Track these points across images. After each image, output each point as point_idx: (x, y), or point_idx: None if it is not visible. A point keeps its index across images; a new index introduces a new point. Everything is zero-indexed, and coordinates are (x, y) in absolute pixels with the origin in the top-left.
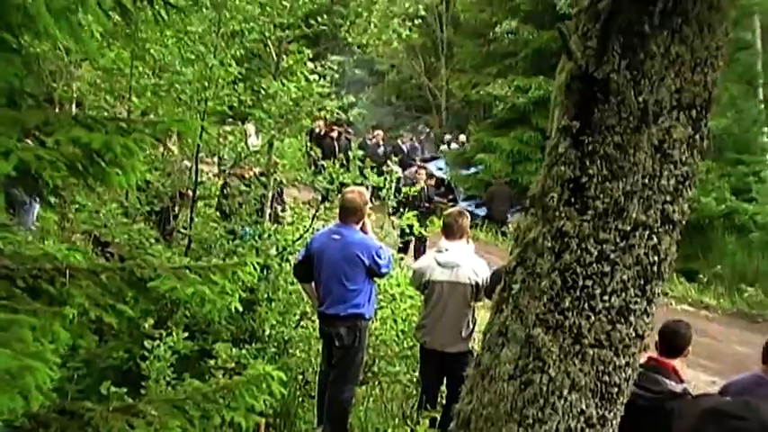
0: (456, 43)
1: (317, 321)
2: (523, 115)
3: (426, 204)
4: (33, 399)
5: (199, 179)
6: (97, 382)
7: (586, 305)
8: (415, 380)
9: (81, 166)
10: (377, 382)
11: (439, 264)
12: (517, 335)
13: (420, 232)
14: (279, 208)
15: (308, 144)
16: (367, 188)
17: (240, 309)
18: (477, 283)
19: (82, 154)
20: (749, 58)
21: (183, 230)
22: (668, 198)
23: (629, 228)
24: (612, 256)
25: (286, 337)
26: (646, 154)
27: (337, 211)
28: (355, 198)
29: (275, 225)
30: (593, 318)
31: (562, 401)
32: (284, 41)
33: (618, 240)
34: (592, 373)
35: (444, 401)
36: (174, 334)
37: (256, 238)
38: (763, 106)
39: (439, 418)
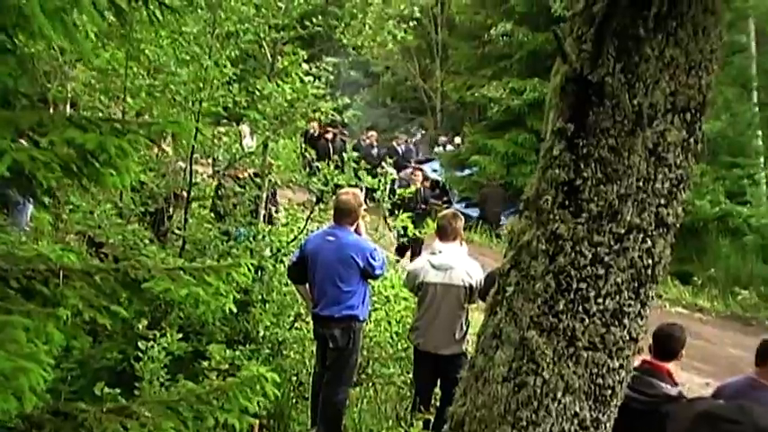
0: (451, 45)
1: (312, 323)
2: (518, 117)
3: (423, 206)
4: (27, 400)
5: (193, 180)
6: (91, 383)
7: (580, 308)
8: (409, 382)
9: (75, 167)
10: (371, 384)
11: (433, 266)
12: (511, 337)
13: (414, 234)
14: (273, 209)
15: (303, 145)
16: (361, 190)
17: (234, 310)
18: (470, 286)
19: (76, 155)
20: (744, 61)
21: (177, 231)
22: (662, 201)
23: (623, 231)
24: (607, 258)
25: (280, 339)
26: (640, 157)
27: (332, 212)
28: (350, 200)
29: (269, 226)
30: (587, 320)
31: (556, 404)
32: (279, 43)
33: (612, 243)
34: (586, 375)
35: (438, 403)
36: (167, 335)
37: (251, 239)
38: (757, 109)
39: (433, 420)
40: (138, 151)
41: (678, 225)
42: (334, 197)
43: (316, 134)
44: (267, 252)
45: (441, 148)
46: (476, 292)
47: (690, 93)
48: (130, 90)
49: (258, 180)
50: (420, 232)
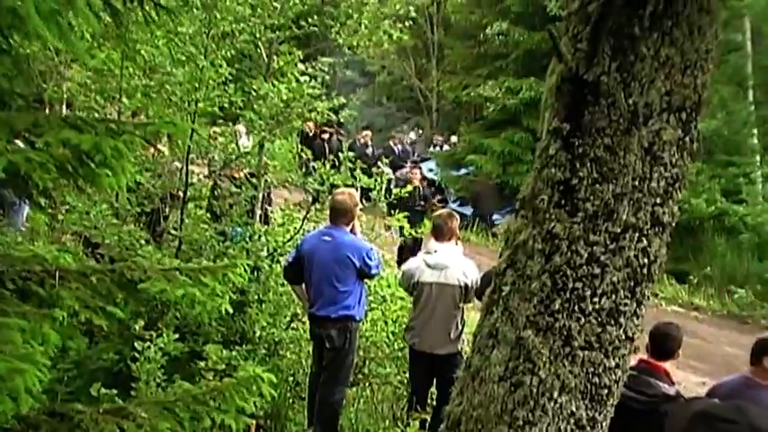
0: (447, 45)
1: (308, 323)
2: (514, 117)
3: (422, 203)
4: (23, 401)
5: (189, 180)
6: (87, 383)
7: (576, 307)
8: (405, 381)
9: (71, 168)
10: (367, 384)
11: (428, 265)
12: (507, 337)
13: (411, 233)
14: (269, 209)
15: (299, 146)
16: (357, 189)
17: (231, 310)
18: (466, 285)
19: (72, 155)
20: (739, 59)
21: (173, 232)
22: (658, 200)
23: (619, 230)
24: (602, 258)
25: (276, 339)
26: (636, 156)
27: (328, 212)
28: (345, 200)
29: (266, 226)
30: (583, 320)
31: (552, 403)
32: (275, 42)
33: (608, 242)
34: (582, 374)
35: (435, 403)
36: (164, 335)
37: (247, 239)
38: (753, 108)
39: (429, 420)
40: (134, 152)
41: (674, 224)
42: (330, 197)
43: (311, 134)
44: (263, 252)
45: (437, 148)
46: (471, 291)
47: (685, 92)
48: (126, 90)
49: (254, 180)
50: (417, 231)
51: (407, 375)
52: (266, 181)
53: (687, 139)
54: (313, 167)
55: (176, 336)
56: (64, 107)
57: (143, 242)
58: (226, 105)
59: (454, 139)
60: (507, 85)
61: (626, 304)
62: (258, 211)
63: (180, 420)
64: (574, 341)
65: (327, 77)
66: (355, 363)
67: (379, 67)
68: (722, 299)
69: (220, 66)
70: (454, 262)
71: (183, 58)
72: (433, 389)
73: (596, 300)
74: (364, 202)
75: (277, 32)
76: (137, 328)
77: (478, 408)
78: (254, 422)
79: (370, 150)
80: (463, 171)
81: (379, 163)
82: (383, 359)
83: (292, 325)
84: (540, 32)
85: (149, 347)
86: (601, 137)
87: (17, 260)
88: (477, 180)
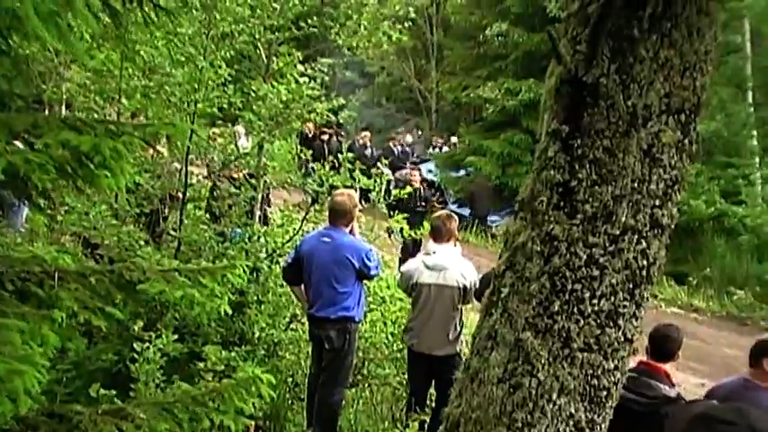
0: (446, 46)
1: (307, 324)
2: (513, 118)
3: (422, 205)
4: (22, 402)
5: (188, 181)
6: (86, 384)
7: (575, 309)
8: (404, 382)
9: (70, 169)
10: (366, 385)
11: (427, 266)
12: (506, 338)
13: (410, 235)
14: (268, 210)
15: (299, 147)
16: (356, 191)
17: (230, 311)
18: (464, 286)
19: (71, 156)
20: (739, 61)
21: (172, 233)
22: (657, 202)
23: (618, 232)
24: (601, 260)
25: (276, 340)
26: (635, 158)
27: (327, 213)
28: (345, 201)
29: (265, 227)
30: (582, 321)
31: (551, 405)
32: (274, 43)
33: (607, 244)
34: (581, 376)
35: (434, 404)
36: (163, 336)
37: (246, 240)
38: (752, 109)
39: (428, 422)
40: (133, 153)
41: (673, 226)
42: (329, 198)
43: (311, 135)
44: (262, 253)
45: (436, 149)
46: (470, 292)
47: (684, 94)
48: (125, 91)
49: (253, 181)
50: (416, 233)
51: (406, 376)
52: (265, 182)
53: (686, 140)
54: (312, 168)
55: (175, 337)
56: (63, 108)
57: (142, 243)
58: (225, 106)
59: (454, 140)
60: (507, 86)
61: (625, 306)
62: (257, 212)
63: (179, 421)
64: (573, 343)
65: (327, 78)
66: (354, 364)
67: (378, 68)
68: (721, 300)
69: (220, 67)
70: (453, 263)
71: (183, 59)
72: (432, 390)
73: (595, 302)
74: (363, 203)
75: (276, 33)
76: (136, 328)
77: (477, 409)
78: (252, 423)
79: (369, 151)
80: (462, 172)
81: (378, 164)
82: (382, 360)
83: (291, 326)
84: (540, 34)
85: (148, 348)
86: (600, 139)
87: (16, 261)
88: (474, 180)
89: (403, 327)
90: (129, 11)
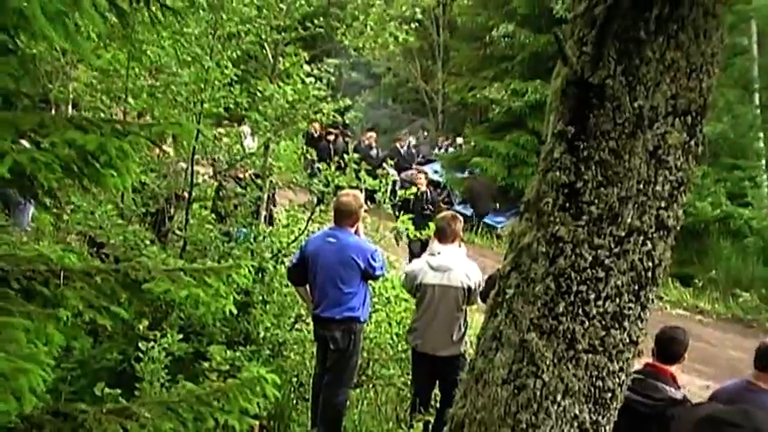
0: (452, 47)
1: (312, 324)
2: (519, 119)
3: (430, 207)
4: (27, 400)
5: (194, 181)
6: (91, 383)
7: (580, 310)
8: (409, 383)
9: (76, 168)
10: (371, 386)
11: (431, 267)
12: (511, 339)
13: (415, 236)
14: (274, 210)
15: (304, 147)
16: (361, 191)
17: (235, 311)
18: (469, 287)
19: (77, 156)
20: (745, 63)
21: (178, 232)
22: (663, 204)
23: (623, 233)
24: (607, 261)
25: (281, 340)
26: (641, 159)
27: (332, 213)
28: (350, 201)
29: (270, 227)
30: (587, 323)
31: (556, 406)
32: (281, 44)
33: (612, 246)
34: (585, 378)
35: (438, 405)
36: (168, 336)
37: (251, 239)
38: (758, 111)
39: (432, 422)
40: (139, 152)
41: (679, 227)
42: (334, 198)
43: (317, 135)
44: (268, 253)
45: (442, 150)
46: (474, 293)
47: (691, 95)
48: (132, 91)
49: (259, 181)
50: (421, 233)
51: (411, 377)
52: (271, 182)
53: (692, 142)
54: (318, 169)
55: (180, 336)
56: (70, 107)
57: (148, 242)
58: (231, 106)
59: (460, 140)
60: (513, 87)
61: (630, 308)
62: (263, 212)
63: (183, 421)
64: (578, 344)
65: (333, 79)
66: (359, 364)
67: (384, 68)
68: (727, 302)
69: (226, 67)
70: (457, 264)
71: (189, 59)
72: (437, 391)
73: (600, 303)
74: (369, 203)
75: (283, 34)
76: (141, 328)
77: (482, 410)
78: (257, 423)
79: (374, 152)
80: (468, 173)
81: (384, 164)
82: (387, 361)
83: (296, 326)
84: (546, 35)
85: (153, 348)
86: (606, 140)
87: (22, 260)
88: (474, 178)
89: (407, 327)
90: (136, 10)
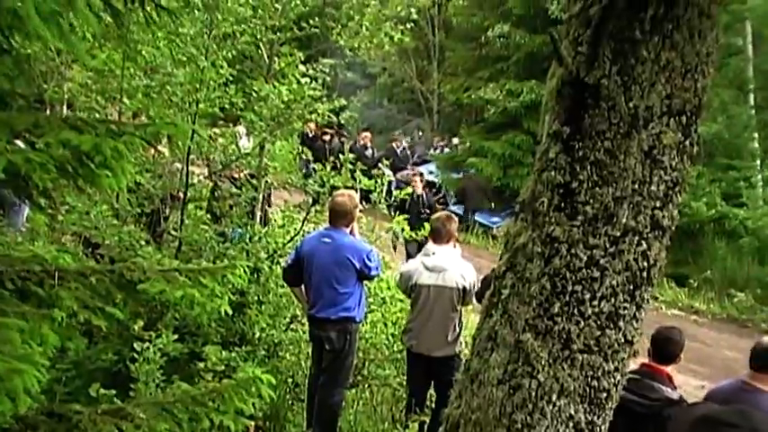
0: (448, 47)
1: (307, 325)
2: (515, 119)
3: (427, 211)
4: (21, 401)
5: (189, 181)
6: (86, 384)
7: (576, 310)
8: (404, 383)
9: (71, 168)
10: (367, 386)
11: (426, 267)
12: (506, 340)
13: (411, 236)
14: (269, 210)
15: (300, 147)
16: (357, 191)
17: (230, 311)
18: (464, 288)
19: (72, 156)
20: (740, 63)
21: (173, 233)
22: (658, 204)
23: (618, 233)
24: (602, 261)
25: (276, 340)
26: (636, 160)
27: (327, 214)
28: (345, 201)
29: (265, 228)
30: (582, 323)
31: (551, 406)
32: (276, 44)
33: (607, 246)
34: (581, 378)
35: (434, 405)
36: (163, 336)
37: (246, 240)
38: (753, 112)
39: (428, 423)
40: (135, 152)
41: (674, 227)
42: (329, 199)
43: (312, 135)
44: (263, 254)
45: (437, 150)
46: (469, 293)
47: (685, 95)
48: (127, 91)
49: (254, 181)
50: (417, 234)
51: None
52: (266, 182)
53: (687, 142)
54: (313, 169)
55: (175, 337)
56: (65, 108)
57: (143, 243)
58: (226, 106)
59: (456, 140)
60: (508, 87)
61: (625, 308)
62: (258, 213)
63: (178, 421)
64: (573, 344)
65: (328, 79)
66: (355, 364)
67: (380, 68)
68: (722, 302)
69: (221, 67)
70: (452, 264)
71: (184, 59)
72: (432, 391)
73: (596, 303)
74: (364, 203)
75: (278, 34)
76: (136, 328)
77: (477, 411)
78: (252, 423)
79: (369, 152)
80: (462, 173)
81: (379, 164)
82: (383, 361)
83: (292, 326)
84: (542, 35)
85: (148, 348)
86: (601, 140)
87: (17, 260)
88: (469, 177)
89: (402, 328)
90: (130, 11)
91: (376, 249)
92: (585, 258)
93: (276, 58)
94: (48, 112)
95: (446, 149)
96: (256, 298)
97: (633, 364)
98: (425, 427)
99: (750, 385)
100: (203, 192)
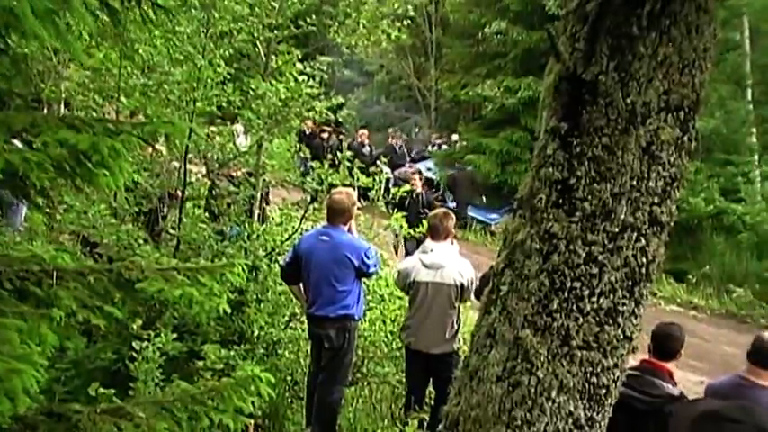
0: (445, 44)
1: (306, 322)
2: (512, 116)
3: (426, 210)
4: (20, 401)
5: (187, 180)
6: (85, 383)
7: (574, 307)
8: (404, 381)
9: (68, 168)
10: (366, 383)
11: (424, 264)
12: (505, 336)
13: (409, 233)
14: (267, 208)
15: (298, 145)
16: (355, 189)
17: (229, 310)
18: (461, 284)
19: (69, 155)
20: (738, 58)
21: (171, 231)
22: (656, 200)
23: (617, 229)
24: (600, 257)
25: (275, 339)
26: (634, 156)
27: (325, 211)
28: (343, 199)
29: (264, 225)
30: (581, 319)
31: (550, 403)
32: (273, 42)
33: (606, 242)
34: (580, 374)
35: (433, 402)
36: (162, 335)
37: (245, 238)
38: (751, 107)
39: (427, 420)
40: (132, 151)
41: (672, 223)
42: (327, 196)
43: (309, 132)
44: (261, 252)
45: (435, 147)
46: (467, 290)
47: (683, 91)
48: (124, 90)
49: (252, 180)
50: (415, 231)
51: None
52: (264, 180)
53: (685, 138)
54: (311, 167)
55: (174, 335)
56: (62, 107)
57: (141, 242)
58: (224, 105)
59: (455, 137)
60: (506, 84)
61: (624, 304)
62: (256, 211)
63: (178, 420)
64: (572, 341)
65: (326, 77)
66: (354, 362)
67: (377, 66)
68: (721, 298)
69: (218, 65)
70: (450, 261)
71: (182, 58)
72: (431, 388)
73: (594, 299)
74: (362, 201)
75: (275, 32)
76: (135, 327)
77: (476, 407)
78: (252, 422)
79: (366, 149)
80: (457, 167)
81: (378, 162)
82: (382, 358)
83: (291, 324)
84: (539, 31)
85: (147, 347)
86: (599, 136)
87: (15, 260)
88: (458, 168)
89: (401, 325)
90: (127, 9)
91: (374, 247)
92: (584, 255)
93: (273, 56)
94: (45, 111)
95: (444, 146)
96: (255, 296)
97: (632, 361)
98: (425, 424)
99: (748, 380)
100: (201, 190)
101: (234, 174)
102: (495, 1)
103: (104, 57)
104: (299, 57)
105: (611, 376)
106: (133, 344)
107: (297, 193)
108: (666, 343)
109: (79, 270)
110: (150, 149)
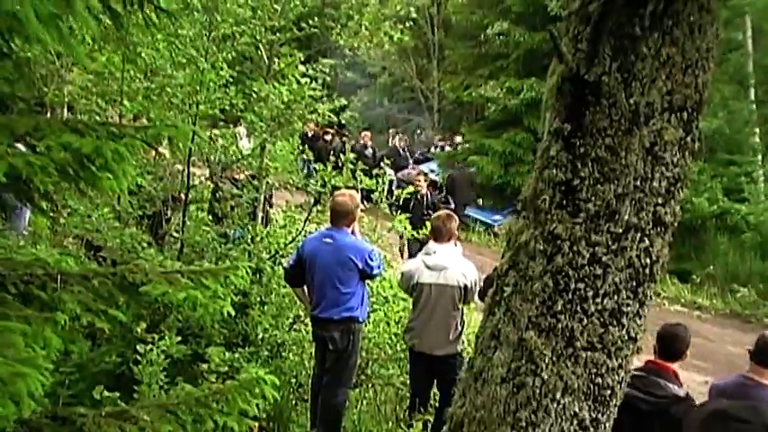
0: (447, 45)
1: (310, 325)
2: (515, 117)
3: (430, 211)
4: (25, 404)
5: (190, 183)
6: (90, 386)
7: (579, 308)
8: (408, 382)
9: (72, 171)
10: (370, 385)
11: (427, 266)
12: (509, 338)
13: (412, 235)
14: (270, 211)
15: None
16: (358, 191)
17: (233, 312)
18: (465, 286)
19: (73, 159)
20: (740, 58)
21: (175, 234)
22: (660, 200)
23: (620, 230)
24: (604, 258)
25: (279, 341)
26: (637, 156)
27: (329, 213)
28: (346, 201)
29: (267, 228)
30: (585, 320)
31: (555, 404)
32: (276, 44)
33: (610, 243)
34: (584, 375)
35: (437, 404)
36: (166, 338)
37: (248, 241)
38: (754, 107)
39: (432, 421)
40: (135, 155)
41: (676, 223)
42: (331, 199)
43: (312, 134)
44: (265, 254)
45: (437, 149)
46: (470, 292)
47: (686, 91)
48: (127, 93)
49: (255, 182)
50: (418, 233)
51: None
52: (267, 183)
53: (688, 138)
54: (314, 169)
55: (178, 338)
56: (65, 111)
57: (145, 245)
58: (227, 107)
59: (458, 139)
60: (508, 85)
61: (628, 305)
62: (260, 213)
63: (182, 423)
64: (576, 342)
65: (328, 79)
66: (358, 364)
67: (379, 68)
68: (725, 298)
69: (221, 68)
70: (453, 263)
71: (184, 61)
72: (436, 390)
73: (598, 300)
74: (365, 203)
75: (278, 34)
76: (139, 330)
77: (481, 409)
78: (256, 424)
79: (369, 151)
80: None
81: (381, 164)
82: (386, 360)
83: (295, 327)
84: (541, 32)
85: (151, 350)
86: (602, 137)
87: (19, 264)
88: (456, 167)
89: (405, 327)
90: (130, 13)
91: (377, 248)
92: (588, 255)
93: (276, 59)
94: (48, 115)
95: (447, 148)
96: (259, 299)
97: (637, 361)
98: (429, 426)
99: (752, 380)
100: (204, 193)
101: (237, 176)
102: (497, 2)
103: (107, 60)
104: (302, 59)
105: (616, 377)
106: (137, 347)
107: (300, 195)
108: (672, 344)
109: (83, 274)
110: (153, 153)
